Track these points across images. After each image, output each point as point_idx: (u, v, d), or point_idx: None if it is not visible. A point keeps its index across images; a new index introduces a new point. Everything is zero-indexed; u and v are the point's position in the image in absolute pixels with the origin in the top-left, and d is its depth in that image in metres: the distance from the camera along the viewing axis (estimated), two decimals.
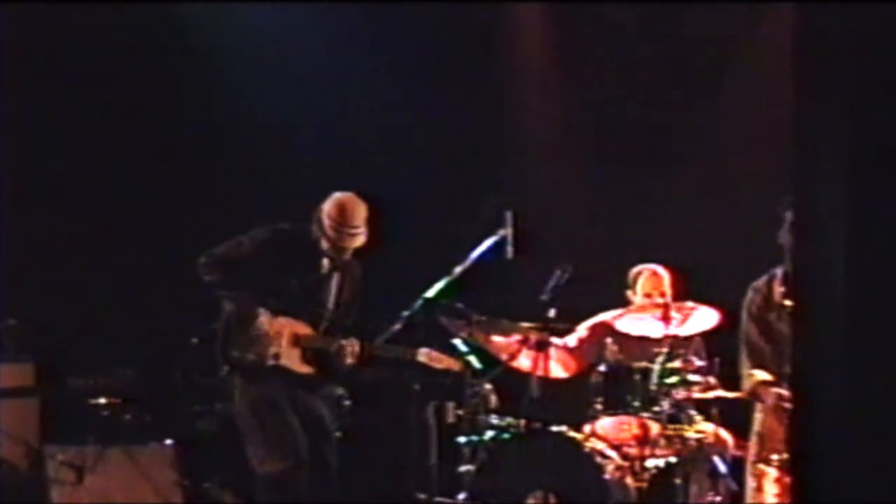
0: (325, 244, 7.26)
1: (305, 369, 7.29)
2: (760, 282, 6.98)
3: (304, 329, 7.29)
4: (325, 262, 7.35)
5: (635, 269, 7.97)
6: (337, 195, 7.27)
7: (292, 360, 7.26)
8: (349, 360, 7.24)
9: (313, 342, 7.29)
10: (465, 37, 9.16)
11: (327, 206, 7.25)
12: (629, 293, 7.96)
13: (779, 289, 6.74)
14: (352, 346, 7.22)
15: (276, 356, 7.23)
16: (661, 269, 7.91)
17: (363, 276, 7.48)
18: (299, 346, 7.27)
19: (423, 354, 7.27)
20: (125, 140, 9.35)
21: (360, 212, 7.24)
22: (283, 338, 7.25)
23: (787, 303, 6.60)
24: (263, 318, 7.20)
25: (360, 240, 7.28)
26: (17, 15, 8.95)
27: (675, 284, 7.88)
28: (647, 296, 7.85)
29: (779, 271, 6.77)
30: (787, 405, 6.42)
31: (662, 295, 7.79)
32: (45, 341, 8.79)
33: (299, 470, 7.18)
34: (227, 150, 9.50)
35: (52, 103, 9.18)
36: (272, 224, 7.41)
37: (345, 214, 7.20)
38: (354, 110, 9.26)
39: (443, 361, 7.30)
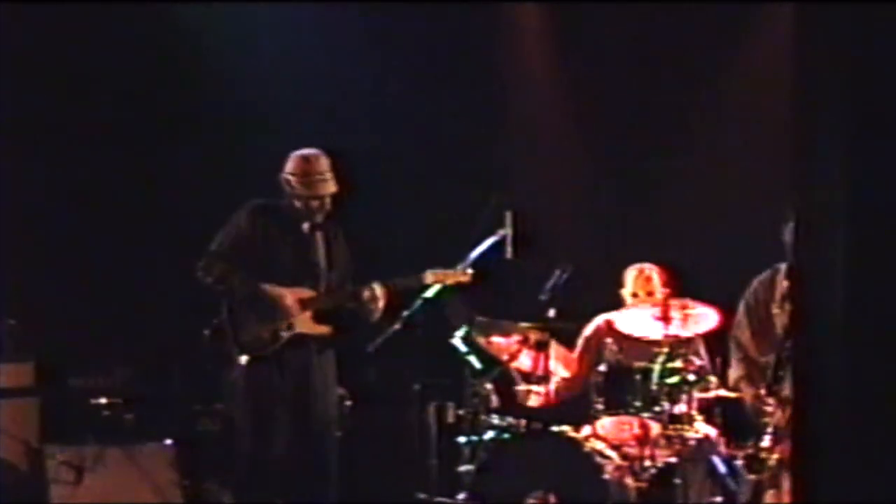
0: (298, 204, 7.29)
1: (322, 329, 7.27)
2: (765, 275, 7.34)
3: (307, 293, 7.28)
4: (305, 225, 7.35)
5: (628, 268, 8.02)
6: (294, 153, 7.32)
7: (306, 324, 7.25)
8: (380, 305, 7.21)
9: (322, 302, 7.27)
10: (464, 36, 9.16)
11: (289, 166, 7.32)
12: (623, 291, 8.01)
13: (783, 282, 6.93)
14: (371, 291, 7.20)
15: (290, 326, 7.22)
16: (650, 269, 7.93)
17: (349, 245, 7.46)
18: (308, 309, 7.26)
19: (430, 275, 7.25)
20: (123, 141, 9.34)
21: (322, 160, 7.30)
22: (291, 306, 7.24)
23: (789, 297, 6.72)
24: (270, 290, 7.20)
25: (330, 186, 7.29)
26: (15, 13, 8.94)
27: (670, 283, 7.89)
28: (634, 295, 7.90)
29: (782, 266, 7.01)
30: (766, 407, 6.58)
31: (650, 294, 7.83)
32: (45, 341, 8.79)
33: (276, 470, 7.17)
34: (227, 150, 9.49)
35: (52, 102, 9.17)
36: (247, 203, 7.42)
37: (306, 165, 7.27)
38: (353, 111, 9.25)
39: (450, 277, 7.28)
